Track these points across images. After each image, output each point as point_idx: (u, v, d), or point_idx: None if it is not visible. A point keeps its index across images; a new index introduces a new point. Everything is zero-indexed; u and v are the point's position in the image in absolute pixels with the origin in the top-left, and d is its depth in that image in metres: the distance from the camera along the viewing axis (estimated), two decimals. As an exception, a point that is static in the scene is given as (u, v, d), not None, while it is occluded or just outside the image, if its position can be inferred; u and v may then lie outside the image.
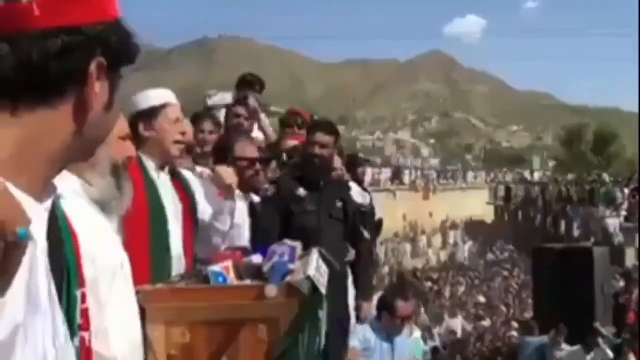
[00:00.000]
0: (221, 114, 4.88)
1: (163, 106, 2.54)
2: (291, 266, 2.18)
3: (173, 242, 2.44)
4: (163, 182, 2.53)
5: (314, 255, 2.31)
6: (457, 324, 12.14)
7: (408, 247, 28.16)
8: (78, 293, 1.42)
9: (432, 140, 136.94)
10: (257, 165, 3.24)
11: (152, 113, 2.52)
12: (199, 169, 3.02)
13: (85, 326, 1.47)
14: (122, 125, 1.86)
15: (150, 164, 2.51)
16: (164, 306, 2.09)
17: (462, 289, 18.96)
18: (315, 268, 2.15)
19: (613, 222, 20.34)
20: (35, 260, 0.73)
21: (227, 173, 2.69)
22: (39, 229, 0.76)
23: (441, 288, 18.96)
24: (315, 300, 2.10)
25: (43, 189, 0.77)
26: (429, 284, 19.60)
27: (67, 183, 1.56)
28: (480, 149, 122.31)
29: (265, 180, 3.99)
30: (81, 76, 0.74)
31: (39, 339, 0.73)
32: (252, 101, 4.46)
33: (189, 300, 2.12)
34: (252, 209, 3.32)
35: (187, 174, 2.71)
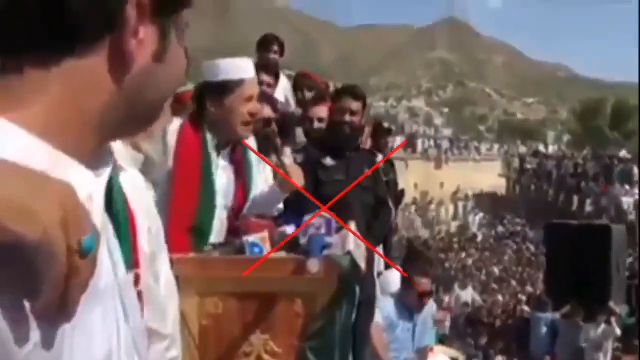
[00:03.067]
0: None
1: (238, 82, 2.26)
2: (328, 239, 2.10)
3: (217, 221, 2.33)
4: (221, 162, 2.35)
5: (352, 228, 2.23)
6: (468, 295, 12.15)
7: (417, 217, 28.12)
8: (131, 275, 1.34)
9: (445, 109, 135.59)
10: (273, 125, 3.11)
11: (224, 88, 2.25)
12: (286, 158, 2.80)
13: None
14: None
15: (211, 142, 2.30)
16: (197, 276, 2.02)
17: (471, 260, 18.97)
18: (354, 242, 2.07)
19: (627, 200, 20.14)
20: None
21: (297, 174, 2.45)
22: (97, 203, 0.66)
23: (450, 259, 18.99)
24: (354, 276, 2.03)
25: (93, 158, 0.66)
26: (439, 254, 19.62)
27: (114, 147, 1.47)
28: (494, 120, 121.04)
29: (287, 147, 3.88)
30: (117, 20, 0.61)
31: (96, 330, 0.65)
32: (276, 67, 4.34)
33: (223, 270, 2.05)
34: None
35: (250, 145, 2.50)
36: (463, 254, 19.73)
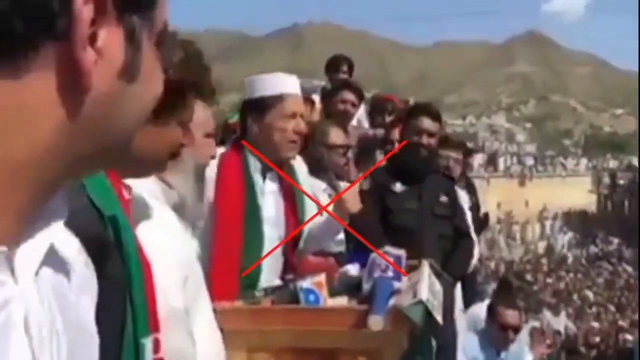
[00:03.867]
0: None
1: (278, 98, 2.09)
2: (397, 285, 1.78)
3: (267, 251, 2.08)
4: (267, 188, 2.13)
5: (425, 270, 1.89)
6: (561, 322, 11.26)
7: (502, 238, 26.97)
8: (147, 341, 1.07)
9: (528, 125, 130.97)
10: (349, 153, 2.88)
11: (263, 105, 2.09)
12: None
13: None
14: (206, 120, 1.52)
15: (254, 166, 2.11)
16: (246, 329, 1.76)
17: (562, 284, 17.80)
18: (428, 289, 1.74)
19: None
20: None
21: (353, 200, 2.16)
22: (27, 270, 0.46)
23: (539, 281, 17.90)
24: (429, 330, 1.70)
25: (29, 212, 0.45)
26: (526, 277, 18.59)
27: (146, 187, 1.26)
28: (581, 134, 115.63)
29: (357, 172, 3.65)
30: (63, 20, 0.42)
31: None
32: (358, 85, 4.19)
33: (275, 323, 1.77)
34: None
35: (299, 168, 2.27)
36: (552, 278, 18.58)
